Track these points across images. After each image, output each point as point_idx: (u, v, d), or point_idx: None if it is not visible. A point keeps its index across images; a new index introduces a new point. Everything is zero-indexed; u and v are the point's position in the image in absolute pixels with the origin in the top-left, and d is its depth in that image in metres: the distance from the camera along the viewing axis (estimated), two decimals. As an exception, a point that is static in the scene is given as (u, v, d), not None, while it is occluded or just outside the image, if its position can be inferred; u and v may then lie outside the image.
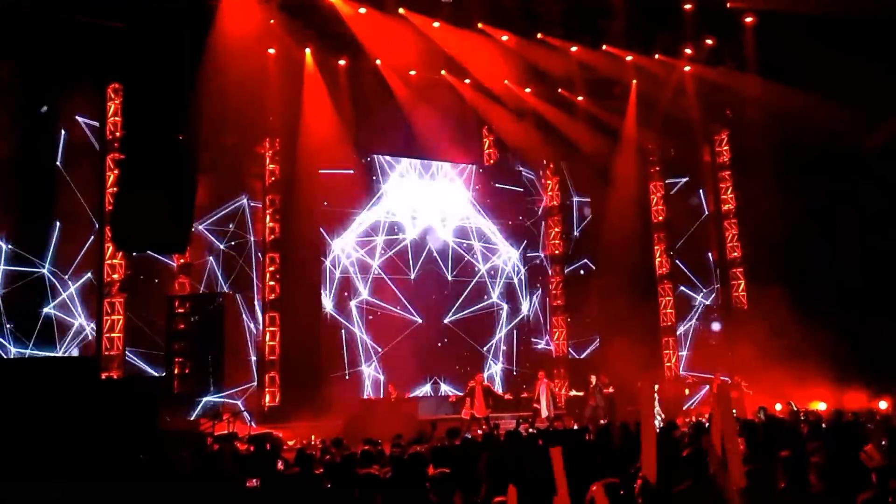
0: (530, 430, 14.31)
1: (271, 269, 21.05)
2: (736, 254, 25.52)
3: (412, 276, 22.01)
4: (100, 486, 8.44)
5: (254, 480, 8.05)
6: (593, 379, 20.28)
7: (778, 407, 17.93)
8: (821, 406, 18.17)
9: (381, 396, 20.41)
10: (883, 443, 8.81)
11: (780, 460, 6.87)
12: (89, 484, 8.55)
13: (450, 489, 6.01)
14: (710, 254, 25.27)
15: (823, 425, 12.52)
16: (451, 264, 22.69)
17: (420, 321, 21.68)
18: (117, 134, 18.01)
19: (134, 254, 17.83)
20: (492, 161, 24.35)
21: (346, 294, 21.25)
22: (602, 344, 24.09)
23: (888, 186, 23.00)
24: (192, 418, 16.82)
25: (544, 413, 19.32)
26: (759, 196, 23.35)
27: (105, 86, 18.63)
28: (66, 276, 17.88)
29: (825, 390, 19.53)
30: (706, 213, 25.57)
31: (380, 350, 21.08)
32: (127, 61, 15.74)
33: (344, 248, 21.49)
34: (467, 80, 22.22)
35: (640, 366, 21.92)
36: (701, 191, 25.66)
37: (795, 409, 17.53)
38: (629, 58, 22.04)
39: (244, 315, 19.45)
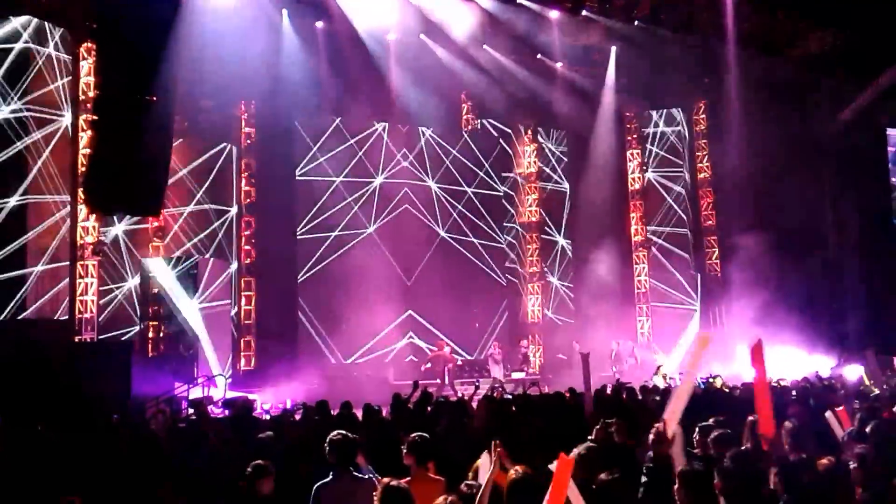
0: (505, 395, 14.36)
1: (247, 233, 20.95)
2: (711, 222, 25.69)
3: (391, 238, 22.02)
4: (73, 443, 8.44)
5: None
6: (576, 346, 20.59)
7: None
8: (791, 372, 18.36)
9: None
10: (855, 407, 8.94)
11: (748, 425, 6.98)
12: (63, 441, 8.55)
13: (425, 453, 6.04)
14: (686, 221, 25.37)
15: (794, 392, 12.67)
16: (433, 226, 22.73)
17: (404, 283, 21.70)
18: (90, 94, 17.70)
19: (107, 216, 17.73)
20: (470, 127, 24.25)
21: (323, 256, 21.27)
22: (577, 310, 24.25)
23: (857, 153, 23.39)
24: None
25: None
26: (736, 165, 23.49)
27: (78, 45, 18.30)
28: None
29: (796, 356, 19.80)
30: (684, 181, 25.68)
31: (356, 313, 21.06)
32: (101, 21, 15.49)
33: (322, 211, 21.44)
34: (446, 46, 22.04)
35: (615, 330, 22.22)
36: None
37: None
38: (609, 24, 21.94)
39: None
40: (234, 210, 20.82)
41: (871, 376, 13.42)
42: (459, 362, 20.94)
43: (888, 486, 5.32)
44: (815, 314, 21.56)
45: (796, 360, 19.41)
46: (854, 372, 16.76)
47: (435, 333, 21.62)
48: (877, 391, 11.60)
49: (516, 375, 20.71)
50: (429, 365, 20.08)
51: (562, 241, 24.98)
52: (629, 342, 22.14)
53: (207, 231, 20.17)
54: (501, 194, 24.08)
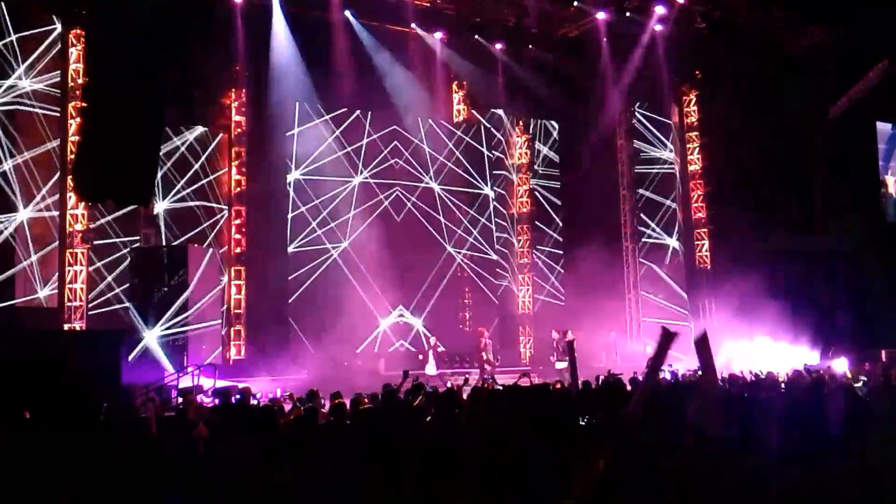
0: (496, 386, 14.35)
1: (237, 222, 20.85)
2: (701, 214, 25.72)
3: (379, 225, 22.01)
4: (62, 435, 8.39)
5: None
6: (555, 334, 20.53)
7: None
8: (780, 366, 18.46)
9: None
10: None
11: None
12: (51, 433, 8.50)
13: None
14: (676, 213, 25.39)
15: (783, 386, 12.72)
16: (423, 216, 22.73)
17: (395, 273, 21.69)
18: (79, 81, 17.61)
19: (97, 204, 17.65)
20: (461, 117, 24.20)
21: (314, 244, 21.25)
22: (568, 302, 24.28)
23: (847, 149, 23.47)
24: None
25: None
26: (727, 158, 23.55)
27: (68, 32, 18.21)
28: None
29: (781, 349, 19.91)
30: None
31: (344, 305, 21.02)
32: (91, 7, 15.41)
33: (313, 200, 21.37)
34: (438, 35, 22.00)
35: (605, 322, 22.26)
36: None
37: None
38: (600, 15, 21.95)
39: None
40: (223, 200, 20.72)
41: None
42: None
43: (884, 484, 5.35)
44: (802, 308, 21.65)
45: (780, 353, 19.53)
46: (840, 365, 16.86)
47: (427, 323, 21.71)
48: (859, 384, 11.71)
49: (559, 365, 19.92)
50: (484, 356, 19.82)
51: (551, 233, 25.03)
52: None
53: (197, 220, 20.09)
54: (492, 185, 24.05)
